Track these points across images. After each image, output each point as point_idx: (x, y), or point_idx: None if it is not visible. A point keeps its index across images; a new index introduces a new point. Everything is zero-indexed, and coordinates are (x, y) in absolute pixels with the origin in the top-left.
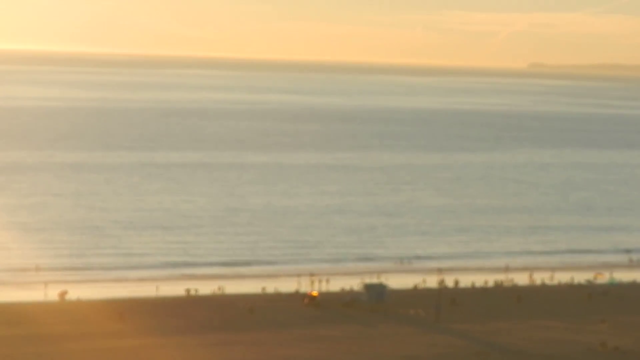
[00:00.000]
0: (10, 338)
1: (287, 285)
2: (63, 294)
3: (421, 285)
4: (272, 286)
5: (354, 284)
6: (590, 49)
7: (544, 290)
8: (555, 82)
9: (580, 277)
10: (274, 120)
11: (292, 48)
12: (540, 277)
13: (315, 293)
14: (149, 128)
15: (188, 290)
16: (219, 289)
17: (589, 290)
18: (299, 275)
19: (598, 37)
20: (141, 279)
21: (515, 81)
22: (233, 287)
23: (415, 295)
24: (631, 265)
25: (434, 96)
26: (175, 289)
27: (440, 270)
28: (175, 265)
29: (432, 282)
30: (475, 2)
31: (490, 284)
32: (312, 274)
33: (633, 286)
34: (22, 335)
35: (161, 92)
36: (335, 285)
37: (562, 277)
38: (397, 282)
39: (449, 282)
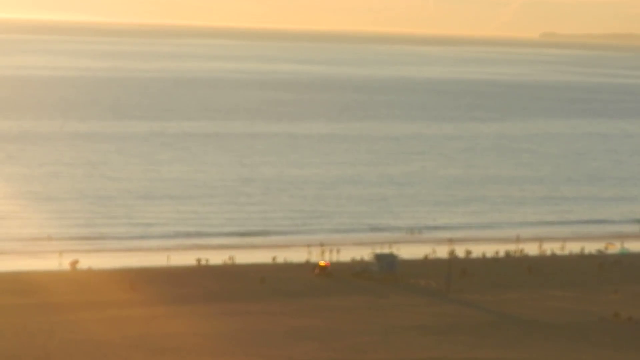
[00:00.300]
0: (22, 307)
1: (297, 256)
2: (74, 263)
3: (432, 256)
4: (282, 256)
5: (364, 254)
6: (602, 19)
7: (555, 261)
8: (567, 51)
9: (592, 247)
10: (285, 91)
11: (303, 18)
12: (551, 248)
13: (325, 263)
14: (160, 98)
15: (199, 260)
16: (230, 258)
17: (600, 260)
18: (309, 245)
19: (610, 6)
20: (152, 249)
21: (527, 50)
22: (244, 257)
23: (426, 265)
24: None
25: (445, 66)
26: (186, 259)
27: (451, 241)
28: (186, 235)
29: (442, 252)
30: None
31: (501, 254)
32: (322, 244)
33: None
34: (34, 304)
35: (172, 61)
36: (346, 255)
37: (574, 247)
38: (408, 252)
39: (460, 252)
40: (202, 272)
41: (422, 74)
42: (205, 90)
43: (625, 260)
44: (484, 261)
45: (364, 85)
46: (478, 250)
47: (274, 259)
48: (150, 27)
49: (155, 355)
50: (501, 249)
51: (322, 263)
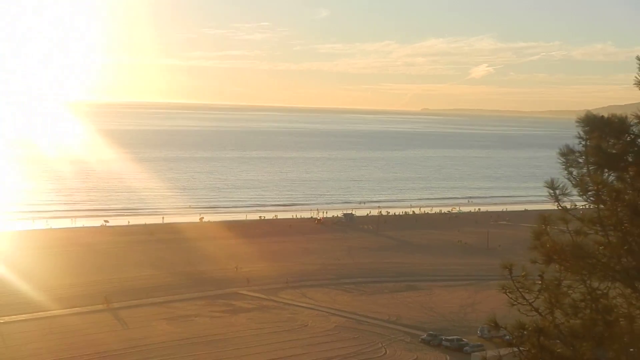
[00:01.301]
0: (171, 240)
1: (307, 215)
2: (201, 219)
3: (370, 214)
4: (300, 215)
5: (339, 213)
6: (455, 103)
7: (428, 216)
8: (434, 117)
9: (445, 209)
10: (299, 136)
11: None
12: (426, 210)
13: (321, 218)
14: (241, 139)
15: (260, 217)
16: (275, 216)
17: (449, 216)
18: (312, 209)
19: (459, 97)
20: (239, 212)
21: (412, 118)
22: (281, 215)
23: (368, 219)
24: (469, 204)
25: (371, 125)
26: (254, 216)
27: (379, 207)
28: (255, 205)
29: (375, 212)
30: (394, 78)
31: (404, 213)
32: (318, 210)
33: (469, 213)
34: (178, 238)
35: (240, 123)
36: (330, 214)
37: (437, 210)
38: (359, 212)
39: (384, 212)
40: (262, 223)
41: (363, 129)
42: (261, 136)
43: (461, 216)
44: (395, 217)
45: (332, 133)
46: (393, 212)
47: (295, 215)
48: (228, 107)
49: (238, 257)
50: (404, 211)
51: (319, 218)
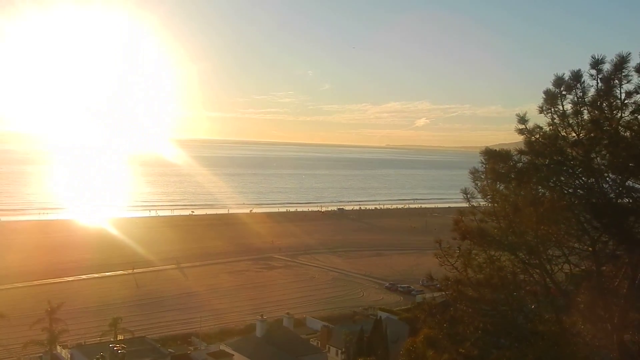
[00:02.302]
0: (232, 224)
1: (315, 208)
2: (251, 211)
3: (353, 209)
4: (310, 209)
5: (334, 208)
6: (405, 141)
7: (392, 211)
8: (393, 150)
9: (400, 206)
10: (311, 160)
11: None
12: (391, 206)
13: (324, 211)
14: (276, 162)
15: (287, 209)
16: (296, 209)
17: (402, 210)
18: (318, 205)
19: (408, 137)
20: (273, 206)
21: (379, 150)
22: (300, 209)
23: (352, 212)
24: (414, 202)
25: (355, 155)
26: (282, 209)
27: (360, 204)
28: (283, 202)
29: (357, 207)
30: (369, 126)
31: (375, 208)
32: (321, 206)
33: (414, 209)
34: (236, 222)
35: (278, 153)
36: (329, 208)
37: (396, 206)
38: (347, 207)
39: (363, 207)
40: (288, 214)
41: (350, 157)
42: (288, 161)
43: (410, 210)
44: (369, 210)
45: (331, 159)
46: (367, 207)
47: (308, 209)
48: (268, 143)
49: (273, 234)
50: (375, 207)
51: (322, 210)
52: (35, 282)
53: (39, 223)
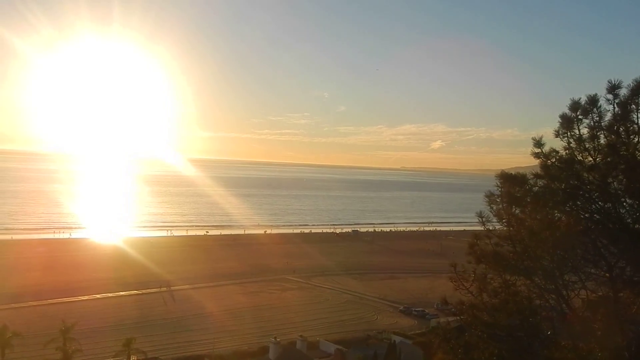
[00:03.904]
0: (246, 244)
1: (329, 230)
2: (265, 231)
3: (368, 230)
4: (325, 230)
5: (349, 229)
6: (421, 163)
7: (406, 233)
8: (408, 173)
9: (415, 228)
10: (326, 182)
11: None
12: (405, 228)
13: (338, 232)
14: (291, 183)
15: (301, 231)
16: (310, 231)
17: (417, 233)
18: (333, 227)
19: (424, 160)
20: (288, 227)
21: (394, 172)
22: (315, 230)
23: (366, 234)
24: (429, 225)
25: (370, 176)
26: (297, 230)
27: (374, 226)
28: (298, 223)
29: (371, 229)
30: (384, 148)
31: (390, 230)
32: (335, 227)
33: (429, 231)
34: (250, 243)
35: (293, 174)
36: (344, 230)
37: (410, 228)
38: (362, 229)
39: (377, 229)
40: (302, 235)
41: (365, 179)
42: (303, 182)
43: (425, 232)
44: (384, 232)
45: (347, 181)
46: (382, 229)
47: (322, 230)
48: (284, 164)
49: (287, 255)
50: (389, 229)
51: (337, 232)
52: (50, 301)
53: (55, 241)
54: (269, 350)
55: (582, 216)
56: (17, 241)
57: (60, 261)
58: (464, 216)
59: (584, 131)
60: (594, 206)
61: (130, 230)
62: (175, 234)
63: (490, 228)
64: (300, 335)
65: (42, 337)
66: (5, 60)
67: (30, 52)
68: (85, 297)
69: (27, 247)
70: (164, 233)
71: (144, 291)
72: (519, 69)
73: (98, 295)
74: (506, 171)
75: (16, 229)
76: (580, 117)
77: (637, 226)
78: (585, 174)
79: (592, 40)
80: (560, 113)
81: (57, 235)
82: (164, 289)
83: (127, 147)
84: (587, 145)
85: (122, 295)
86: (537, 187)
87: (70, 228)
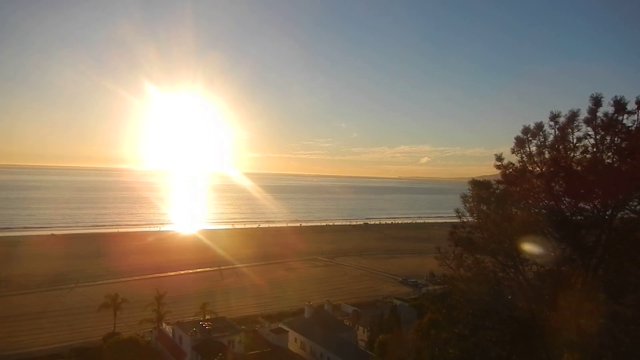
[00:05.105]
0: (286, 234)
1: (347, 223)
2: (300, 224)
3: (376, 223)
4: (343, 223)
5: (362, 222)
6: (413, 174)
7: (405, 225)
8: (404, 181)
9: (410, 221)
10: (344, 188)
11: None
12: (403, 221)
13: (353, 224)
14: (317, 189)
15: (327, 224)
16: (333, 223)
17: (412, 224)
18: (350, 220)
19: (415, 171)
20: (317, 221)
21: (394, 181)
22: (337, 223)
23: (375, 225)
24: (420, 218)
25: (376, 184)
26: (323, 224)
27: (380, 220)
28: (324, 218)
29: (378, 222)
30: (386, 163)
31: (392, 222)
32: (351, 220)
33: (421, 223)
34: (289, 233)
35: (319, 184)
36: (358, 223)
37: (407, 221)
38: (371, 222)
39: (383, 222)
40: (327, 227)
41: (372, 186)
42: (326, 189)
43: (418, 224)
44: (388, 224)
45: (359, 187)
46: (387, 222)
47: (342, 223)
48: (312, 175)
49: (317, 241)
50: (392, 222)
51: (353, 224)
52: (147, 276)
53: (150, 233)
54: (305, 311)
55: (532, 211)
56: (124, 233)
57: (155, 247)
58: (445, 212)
59: (533, 149)
60: (541, 204)
61: (203, 224)
62: (236, 227)
63: (465, 220)
64: (327, 300)
65: (142, 302)
66: (127, 104)
67: (142, 99)
68: (173, 273)
69: (131, 238)
70: (228, 226)
71: (214, 268)
72: (483, 102)
73: (182, 272)
74: (475, 179)
75: (123, 224)
76: (530, 138)
77: (573, 218)
78: (534, 180)
79: (545, 68)
80: (515, 135)
81: (151, 229)
82: (229, 266)
83: (200, 164)
84: (535, 159)
85: (198, 272)
86: (498, 190)
87: (162, 223)
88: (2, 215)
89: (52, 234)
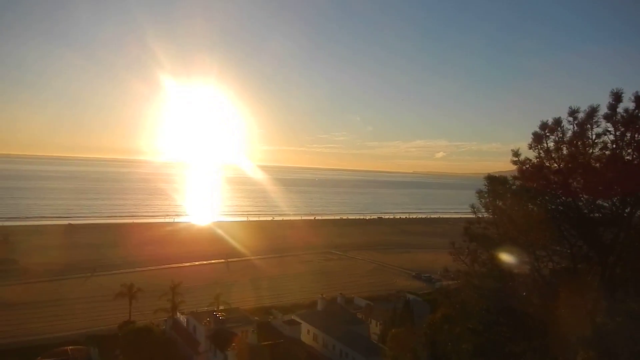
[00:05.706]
0: (301, 227)
1: (360, 217)
2: (314, 218)
3: (389, 217)
4: (357, 217)
5: (375, 216)
6: (428, 168)
7: (418, 219)
8: (418, 175)
9: (424, 216)
10: (359, 182)
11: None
12: (417, 216)
13: (367, 218)
14: (333, 183)
15: (341, 217)
16: (347, 217)
17: (426, 219)
18: (363, 214)
19: (430, 166)
20: (331, 215)
21: (409, 175)
22: (351, 217)
23: (388, 220)
24: (435, 213)
25: (391, 178)
26: (337, 217)
27: (394, 214)
28: (339, 212)
29: (391, 216)
30: (401, 157)
31: (406, 217)
32: (365, 214)
33: (435, 218)
34: (303, 226)
35: (335, 177)
36: (371, 217)
37: (421, 216)
38: (385, 216)
39: (396, 216)
40: (341, 221)
41: (387, 180)
42: (341, 182)
43: (431, 219)
44: (401, 219)
45: (373, 181)
46: (400, 216)
47: (356, 217)
48: (327, 169)
49: (331, 234)
50: (406, 216)
51: (367, 218)
52: (163, 266)
53: (166, 224)
54: (318, 304)
55: (549, 207)
56: (140, 224)
57: (170, 239)
58: (460, 207)
59: (551, 144)
60: (558, 200)
61: (218, 216)
62: (250, 219)
63: (480, 216)
64: (340, 293)
65: (157, 292)
66: (145, 98)
67: (160, 93)
68: (187, 264)
69: (147, 229)
70: (242, 218)
71: (228, 260)
72: (501, 97)
73: (196, 263)
74: (492, 174)
75: (139, 215)
76: (547, 134)
77: (591, 215)
78: (551, 176)
79: (560, 70)
80: (533, 131)
81: (167, 220)
82: (242, 258)
83: (215, 157)
84: (553, 155)
85: (212, 263)
86: (515, 186)
87: (177, 215)
88: (20, 204)
89: (70, 224)
